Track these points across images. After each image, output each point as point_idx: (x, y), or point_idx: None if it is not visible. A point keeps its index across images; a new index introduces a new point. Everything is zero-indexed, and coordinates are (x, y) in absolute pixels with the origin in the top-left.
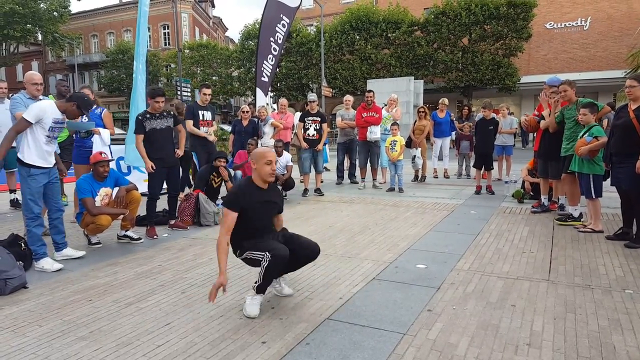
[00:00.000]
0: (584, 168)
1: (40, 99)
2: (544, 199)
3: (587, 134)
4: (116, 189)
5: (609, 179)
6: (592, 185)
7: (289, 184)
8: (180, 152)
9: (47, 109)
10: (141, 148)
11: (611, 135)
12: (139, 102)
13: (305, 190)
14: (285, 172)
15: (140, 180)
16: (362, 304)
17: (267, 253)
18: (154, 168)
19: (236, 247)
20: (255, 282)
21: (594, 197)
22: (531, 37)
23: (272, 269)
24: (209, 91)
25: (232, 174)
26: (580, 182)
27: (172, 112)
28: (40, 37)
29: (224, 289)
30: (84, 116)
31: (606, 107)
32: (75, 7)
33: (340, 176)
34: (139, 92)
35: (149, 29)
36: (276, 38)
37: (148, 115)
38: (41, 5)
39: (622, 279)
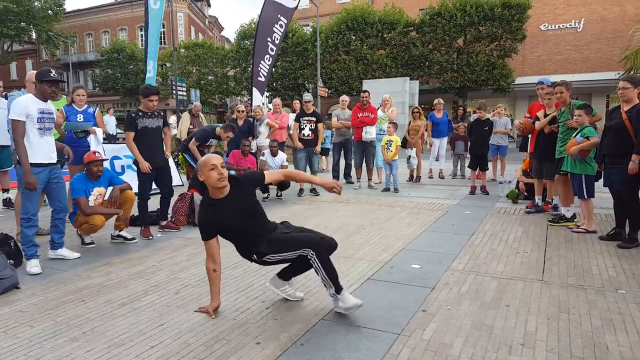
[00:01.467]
0: (576, 168)
1: (15, 96)
2: (538, 199)
3: (579, 134)
4: (110, 189)
5: (601, 180)
6: (584, 186)
7: (284, 184)
8: (168, 153)
9: (27, 101)
10: (133, 146)
11: (604, 136)
12: None
13: (301, 190)
14: None
15: (134, 180)
16: None
17: (307, 250)
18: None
19: (249, 257)
20: (329, 289)
21: (586, 197)
22: (525, 39)
23: (326, 260)
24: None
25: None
26: (572, 182)
27: (161, 113)
28: (34, 36)
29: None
30: (79, 114)
31: (600, 114)
32: (69, 6)
33: (335, 176)
34: None
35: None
36: (273, 38)
37: (140, 114)
38: (35, 4)
39: (615, 279)
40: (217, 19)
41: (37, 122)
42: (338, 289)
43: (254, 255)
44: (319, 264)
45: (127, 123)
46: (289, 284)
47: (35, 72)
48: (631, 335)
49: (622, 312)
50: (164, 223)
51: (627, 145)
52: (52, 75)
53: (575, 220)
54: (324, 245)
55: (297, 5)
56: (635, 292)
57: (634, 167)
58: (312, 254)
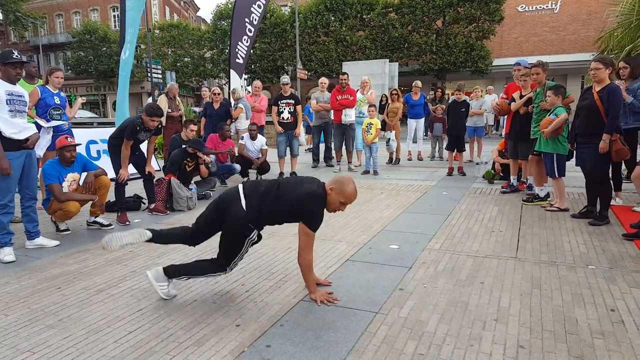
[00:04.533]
0: (548, 148)
1: None
2: (513, 179)
3: (552, 114)
4: (84, 174)
5: (573, 159)
6: (555, 165)
7: (264, 167)
8: (149, 160)
9: None
10: (126, 154)
11: (576, 116)
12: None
13: (281, 174)
14: (260, 155)
15: (109, 165)
16: (336, 284)
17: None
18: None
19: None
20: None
21: (557, 176)
22: (503, 20)
23: None
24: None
25: (212, 160)
26: (545, 161)
27: (160, 127)
28: (0, 17)
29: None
30: (55, 96)
31: (572, 96)
32: None
33: (315, 159)
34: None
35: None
36: (251, 19)
37: (137, 128)
38: None
39: (585, 255)
40: None
41: (7, 103)
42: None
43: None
44: None
45: (129, 132)
46: (170, 282)
47: None
48: (599, 309)
49: (591, 287)
50: (152, 206)
51: (598, 125)
52: (14, 56)
53: (548, 199)
54: None
55: None
56: (604, 268)
57: (604, 147)
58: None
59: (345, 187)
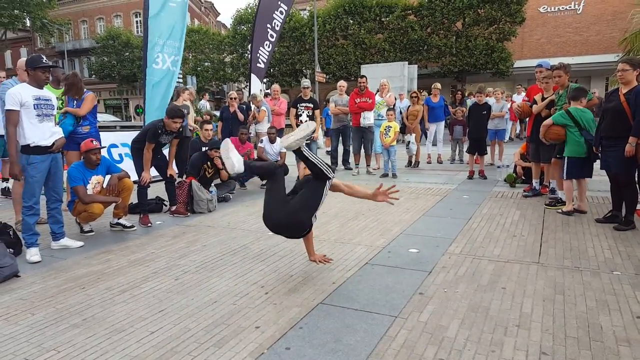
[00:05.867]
0: (564, 151)
1: (7, 85)
2: (535, 183)
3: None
4: (108, 177)
5: (597, 163)
6: (565, 167)
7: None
8: (170, 162)
9: (20, 90)
10: (148, 157)
11: (602, 119)
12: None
13: (299, 177)
14: (279, 158)
15: (131, 168)
16: (355, 288)
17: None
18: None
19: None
20: None
21: (564, 178)
22: (525, 21)
23: None
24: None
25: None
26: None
27: (181, 130)
28: (28, 23)
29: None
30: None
31: (595, 99)
32: None
33: (334, 162)
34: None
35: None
36: (273, 24)
37: (159, 131)
38: None
39: (610, 260)
40: (212, 4)
41: (34, 108)
42: None
43: None
44: None
45: (151, 135)
46: None
47: (25, 59)
48: (625, 316)
49: (616, 293)
50: (173, 208)
51: (624, 127)
52: (44, 61)
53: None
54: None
55: None
56: (630, 274)
57: (630, 150)
58: None
59: None
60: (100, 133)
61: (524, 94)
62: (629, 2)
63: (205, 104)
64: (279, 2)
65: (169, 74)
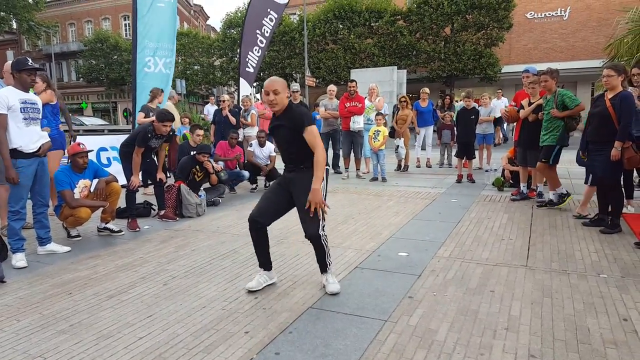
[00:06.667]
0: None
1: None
2: (522, 186)
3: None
4: (95, 181)
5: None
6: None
7: (272, 174)
8: (160, 165)
9: (7, 93)
10: (138, 161)
11: (588, 123)
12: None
13: None
14: (269, 162)
15: (119, 172)
16: (345, 292)
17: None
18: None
19: None
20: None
21: (589, 184)
22: (512, 27)
23: None
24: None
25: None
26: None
27: (171, 134)
28: (15, 26)
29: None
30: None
31: (583, 104)
32: None
33: None
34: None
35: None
36: (263, 31)
37: (149, 135)
38: None
39: (597, 263)
40: (202, 7)
41: (21, 112)
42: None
43: None
44: None
45: (140, 139)
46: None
47: (10, 62)
48: (612, 318)
49: (603, 295)
50: (162, 213)
51: (610, 132)
52: (29, 63)
53: (567, 197)
54: None
55: (287, 2)
56: (616, 277)
57: (616, 154)
58: None
59: None
60: (88, 137)
61: (504, 98)
62: (613, 9)
63: (210, 108)
64: (269, 10)
65: (163, 77)
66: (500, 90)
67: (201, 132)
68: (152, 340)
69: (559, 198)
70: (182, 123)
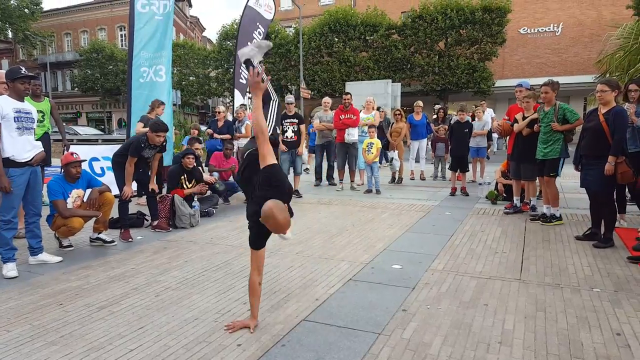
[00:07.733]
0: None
1: None
2: (516, 200)
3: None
4: (88, 191)
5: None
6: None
7: None
8: (153, 174)
9: (1, 102)
10: (130, 171)
11: (581, 138)
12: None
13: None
14: None
15: (113, 182)
16: (339, 304)
17: None
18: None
19: None
20: None
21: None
22: (505, 42)
23: None
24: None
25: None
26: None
27: (164, 144)
28: (10, 35)
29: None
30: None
31: (581, 119)
32: (47, 4)
33: (318, 178)
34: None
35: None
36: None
37: (142, 145)
38: (11, 2)
39: (590, 278)
40: (198, 19)
41: (15, 121)
42: None
43: None
44: None
45: (134, 149)
46: None
47: (3, 72)
48: (605, 333)
49: (596, 310)
50: (155, 223)
51: (603, 146)
52: (23, 72)
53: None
54: None
55: (272, 19)
56: (609, 291)
57: (610, 169)
58: None
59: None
60: (82, 146)
61: (489, 109)
62: (605, 25)
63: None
64: (257, 24)
65: (158, 86)
66: (483, 102)
67: (200, 145)
68: (143, 352)
69: (551, 217)
70: (191, 134)
